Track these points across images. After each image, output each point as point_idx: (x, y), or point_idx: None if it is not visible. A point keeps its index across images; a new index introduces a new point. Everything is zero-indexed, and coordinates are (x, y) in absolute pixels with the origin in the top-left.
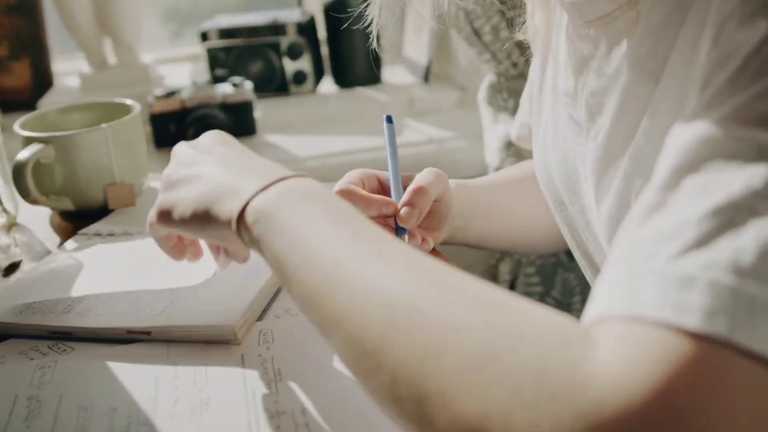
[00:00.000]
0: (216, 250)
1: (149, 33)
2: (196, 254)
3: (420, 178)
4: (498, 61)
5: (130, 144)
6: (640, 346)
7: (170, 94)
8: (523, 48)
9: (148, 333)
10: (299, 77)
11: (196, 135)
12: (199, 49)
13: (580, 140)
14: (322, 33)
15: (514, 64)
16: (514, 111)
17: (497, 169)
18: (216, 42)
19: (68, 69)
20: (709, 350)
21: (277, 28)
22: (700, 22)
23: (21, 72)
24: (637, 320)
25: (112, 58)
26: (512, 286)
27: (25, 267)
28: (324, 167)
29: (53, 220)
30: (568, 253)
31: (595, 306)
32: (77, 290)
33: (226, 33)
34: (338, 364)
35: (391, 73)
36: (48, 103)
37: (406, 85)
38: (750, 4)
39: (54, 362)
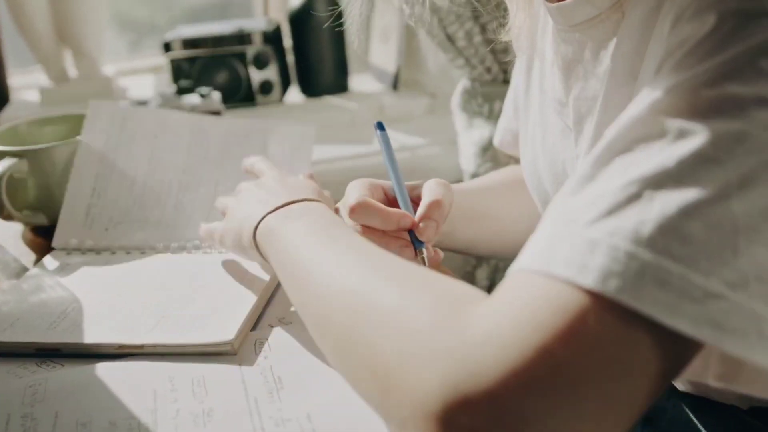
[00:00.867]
0: None
1: (107, 44)
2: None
3: (433, 191)
4: (472, 66)
5: None
6: (538, 294)
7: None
8: (496, 53)
9: (141, 347)
10: (266, 87)
11: None
12: (162, 60)
13: (569, 143)
14: (288, 41)
15: (488, 69)
16: (488, 116)
17: (474, 174)
18: (180, 52)
19: (24, 83)
20: (598, 307)
21: (243, 38)
22: (670, 14)
23: None
24: (546, 275)
25: (72, 71)
26: (490, 292)
27: (3, 285)
28: None
29: (26, 236)
30: None
31: (518, 259)
32: (60, 307)
33: (189, 43)
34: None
35: (358, 81)
36: (5, 119)
37: (375, 93)
38: None
39: (45, 380)
